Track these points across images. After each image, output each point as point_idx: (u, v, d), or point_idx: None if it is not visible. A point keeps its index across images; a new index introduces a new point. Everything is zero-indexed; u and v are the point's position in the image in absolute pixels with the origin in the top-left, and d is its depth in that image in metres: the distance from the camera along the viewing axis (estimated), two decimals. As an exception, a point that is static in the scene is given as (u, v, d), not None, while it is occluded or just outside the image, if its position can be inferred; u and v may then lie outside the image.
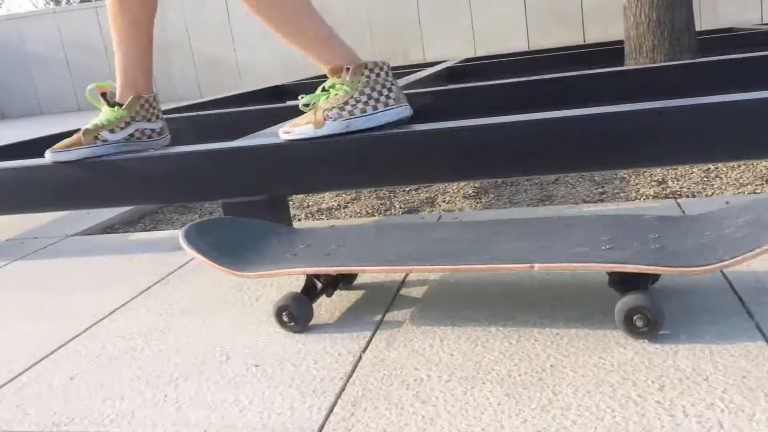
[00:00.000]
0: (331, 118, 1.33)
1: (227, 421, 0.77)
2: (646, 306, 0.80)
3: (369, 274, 1.18)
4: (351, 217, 1.74)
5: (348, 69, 1.34)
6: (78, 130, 2.04)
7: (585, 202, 1.61)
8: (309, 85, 3.57)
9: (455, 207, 1.71)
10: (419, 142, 1.29)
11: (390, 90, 1.36)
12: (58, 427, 0.81)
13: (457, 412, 0.72)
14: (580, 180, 1.83)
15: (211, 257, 1.03)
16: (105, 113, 1.51)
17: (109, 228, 1.93)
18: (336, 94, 1.34)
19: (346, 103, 1.33)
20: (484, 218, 1.46)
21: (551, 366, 0.79)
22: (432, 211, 1.70)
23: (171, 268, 1.37)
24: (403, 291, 1.09)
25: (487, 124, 1.25)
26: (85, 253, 1.58)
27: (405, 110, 1.38)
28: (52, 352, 1.03)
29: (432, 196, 1.87)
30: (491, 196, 1.78)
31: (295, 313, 0.97)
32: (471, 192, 1.84)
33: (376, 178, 1.33)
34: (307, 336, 0.97)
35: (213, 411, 0.80)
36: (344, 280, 1.12)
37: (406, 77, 2.87)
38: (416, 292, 1.08)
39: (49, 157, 1.49)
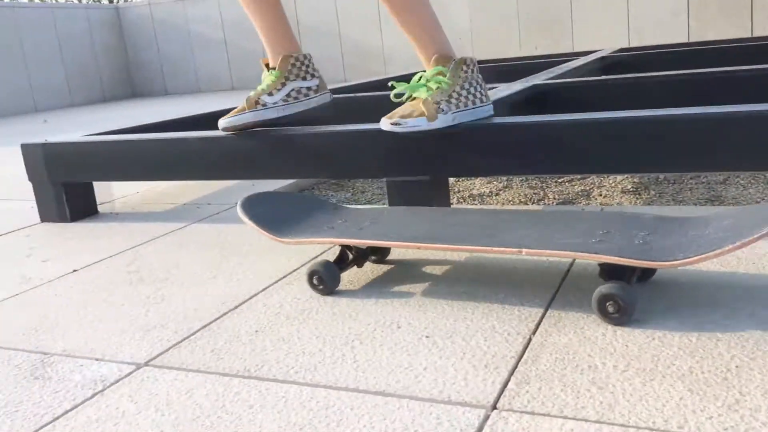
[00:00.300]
0: (442, 110, 1.35)
1: (403, 384, 0.81)
2: (618, 294, 0.90)
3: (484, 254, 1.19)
4: (502, 204, 1.75)
5: (453, 61, 1.38)
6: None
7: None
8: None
9: (612, 201, 1.68)
10: (606, 129, 1.28)
11: (482, 86, 1.43)
12: (249, 372, 0.89)
13: (637, 401, 0.72)
14: (753, 181, 1.73)
15: (259, 224, 1.20)
16: (264, 79, 1.59)
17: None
18: (438, 87, 1.37)
19: (450, 96, 1.37)
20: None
21: (737, 367, 0.77)
22: (588, 203, 1.67)
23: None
24: (569, 279, 1.09)
25: (665, 116, 1.21)
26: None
27: (491, 108, 1.45)
28: (235, 307, 1.12)
29: (587, 189, 1.83)
30: (652, 192, 1.72)
31: (324, 278, 1.12)
32: (630, 187, 1.79)
33: (545, 165, 1.33)
34: (474, 314, 0.99)
35: (389, 374, 0.84)
36: (376, 254, 1.25)
37: (558, 67, 2.81)
38: (585, 281, 1.07)
39: (221, 124, 1.60)
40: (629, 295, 0.89)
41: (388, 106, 2.34)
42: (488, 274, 1.15)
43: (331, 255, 1.33)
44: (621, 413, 0.71)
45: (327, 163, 1.53)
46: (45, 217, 1.88)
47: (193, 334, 1.03)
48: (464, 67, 1.39)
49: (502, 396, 0.76)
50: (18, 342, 1.06)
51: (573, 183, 1.92)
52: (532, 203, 1.73)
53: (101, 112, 6.37)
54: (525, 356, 0.85)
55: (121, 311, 1.15)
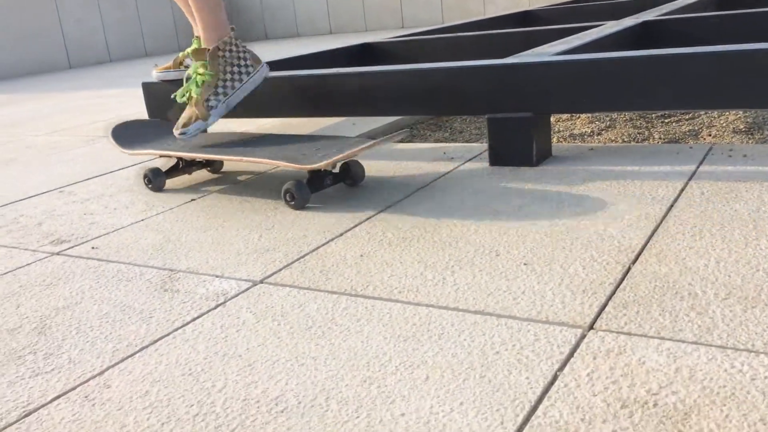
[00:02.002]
0: (212, 107, 1.49)
1: (502, 306, 0.85)
2: (291, 189, 1.33)
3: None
4: (605, 143, 1.72)
5: (208, 52, 1.49)
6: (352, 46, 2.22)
7: None
8: (555, 11, 3.47)
9: (723, 140, 1.61)
10: (721, 61, 1.23)
11: (245, 59, 1.53)
12: (355, 291, 0.95)
13: (737, 326, 0.73)
14: None
15: (116, 141, 1.69)
16: (193, 44, 1.69)
17: (371, 138, 2.10)
18: (204, 82, 1.49)
19: (216, 87, 1.49)
20: (760, 153, 1.36)
21: None
22: (696, 143, 1.62)
23: (432, 177, 1.48)
24: (672, 212, 1.08)
25: (784, 48, 1.16)
26: (360, 158, 1.75)
27: (264, 69, 1.54)
28: (341, 234, 1.19)
29: (696, 129, 1.77)
30: (766, 132, 1.65)
31: (152, 179, 1.60)
32: (742, 127, 1.71)
33: (652, 100, 1.30)
34: (573, 244, 1.01)
35: (488, 296, 0.88)
36: (210, 166, 1.70)
37: (669, 3, 2.67)
38: (692, 218, 1.06)
39: (154, 75, 1.87)
40: (299, 190, 1.33)
41: (487, 46, 2.32)
42: (590, 207, 1.16)
43: (440, 180, 1.37)
44: (719, 336, 0.72)
45: (427, 100, 1.55)
46: (163, 152, 2.01)
47: (302, 257, 1.10)
48: (220, 53, 1.49)
49: (599, 318, 0.79)
50: (147, 260, 1.17)
51: (681, 122, 1.85)
52: (635, 143, 1.69)
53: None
54: (624, 284, 0.87)
55: (236, 235, 1.25)
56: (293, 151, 1.41)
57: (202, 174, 1.72)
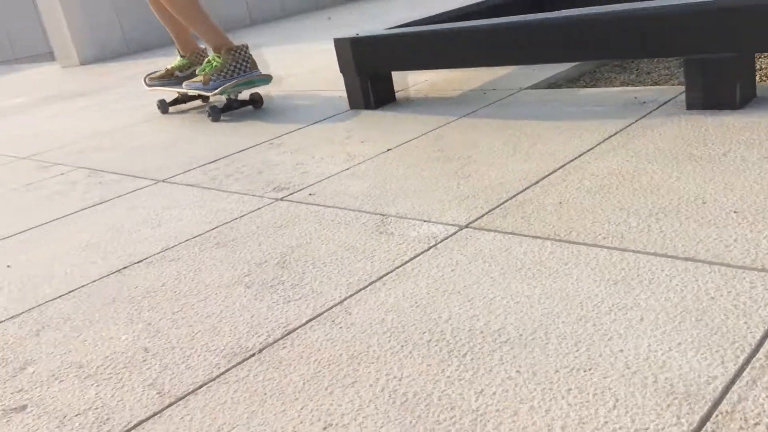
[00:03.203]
0: (212, 81, 2.33)
1: (713, 253, 0.87)
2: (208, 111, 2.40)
3: None
4: (819, 83, 1.59)
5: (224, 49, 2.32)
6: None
7: None
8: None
9: None
10: None
11: (246, 63, 2.33)
12: (558, 236, 1.01)
13: None
14: None
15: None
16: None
17: (553, 84, 2.10)
18: (212, 66, 2.33)
19: (220, 72, 2.31)
20: None
21: None
22: None
23: (624, 123, 1.47)
24: None
25: None
26: (540, 105, 1.77)
27: (255, 74, 2.34)
28: (537, 182, 1.24)
29: None
30: None
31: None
32: None
33: None
34: (787, 193, 0.99)
35: (698, 244, 0.90)
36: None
37: None
38: None
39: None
40: (213, 110, 2.33)
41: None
42: (802, 155, 1.11)
43: (634, 126, 1.37)
44: None
45: (621, 43, 1.53)
46: (353, 104, 2.15)
47: (502, 204, 1.17)
48: (232, 53, 2.31)
49: (820, 268, 0.78)
50: (359, 205, 1.30)
51: None
52: None
53: (376, 5, 6.74)
54: None
55: (435, 183, 1.34)
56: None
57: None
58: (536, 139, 1.49)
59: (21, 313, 1.08)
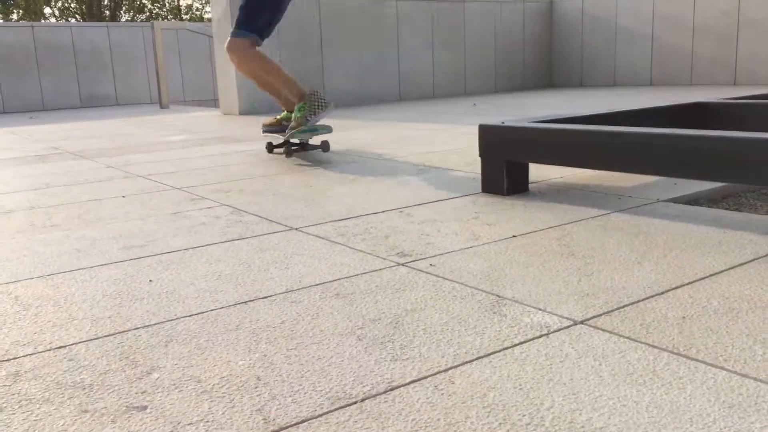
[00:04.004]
0: (306, 121, 3.18)
1: None
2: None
3: None
4: None
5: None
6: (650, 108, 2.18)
7: None
8: None
9: None
10: None
11: (323, 101, 3.20)
12: (676, 350, 0.98)
13: None
14: None
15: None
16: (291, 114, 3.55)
17: (693, 201, 2.05)
18: (302, 112, 3.18)
19: (306, 115, 3.18)
20: None
21: None
22: None
23: (765, 250, 1.42)
24: None
25: None
26: (676, 219, 1.74)
27: (331, 106, 3.25)
28: (661, 293, 1.22)
29: None
30: None
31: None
32: None
33: None
34: None
35: (829, 384, 0.85)
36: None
37: None
38: None
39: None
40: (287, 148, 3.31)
41: None
42: None
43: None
44: None
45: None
46: (486, 188, 2.20)
47: (622, 307, 1.16)
48: (308, 97, 3.21)
49: None
50: (477, 283, 1.33)
51: None
52: None
53: (521, 98, 6.86)
54: None
55: (555, 276, 1.34)
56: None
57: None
58: (667, 251, 1.46)
59: (154, 324, 1.19)
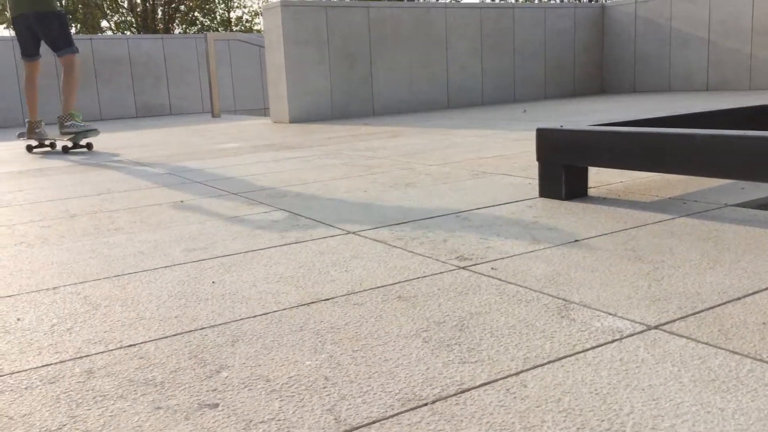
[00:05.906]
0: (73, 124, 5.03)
1: None
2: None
3: None
4: None
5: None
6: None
7: None
8: None
9: None
10: None
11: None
12: (759, 357, 0.94)
13: None
14: None
15: None
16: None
17: (763, 206, 1.97)
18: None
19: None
20: None
21: None
22: None
23: None
24: None
25: None
26: (747, 223, 1.67)
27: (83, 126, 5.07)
28: (738, 298, 1.17)
29: None
30: None
31: None
32: None
33: None
34: None
35: None
36: None
37: None
38: None
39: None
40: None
41: None
42: None
43: None
44: None
45: None
46: (544, 192, 2.16)
47: (697, 313, 1.12)
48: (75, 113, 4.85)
49: None
50: (541, 287, 1.30)
51: None
52: None
53: (572, 105, 6.76)
54: None
55: (623, 280, 1.30)
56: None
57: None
58: (740, 256, 1.41)
59: (220, 324, 1.20)
